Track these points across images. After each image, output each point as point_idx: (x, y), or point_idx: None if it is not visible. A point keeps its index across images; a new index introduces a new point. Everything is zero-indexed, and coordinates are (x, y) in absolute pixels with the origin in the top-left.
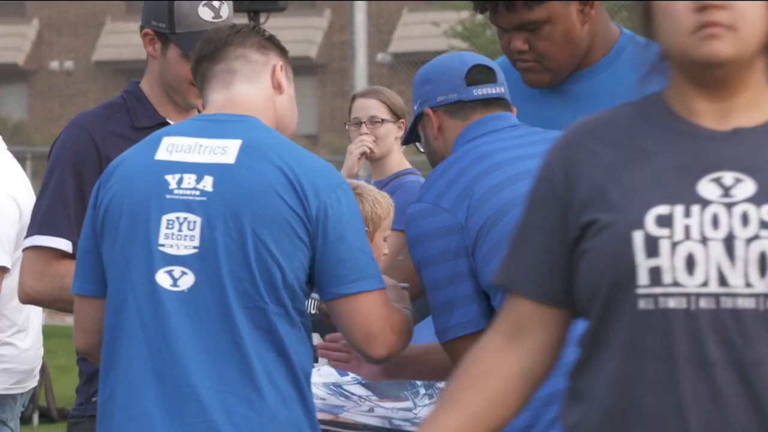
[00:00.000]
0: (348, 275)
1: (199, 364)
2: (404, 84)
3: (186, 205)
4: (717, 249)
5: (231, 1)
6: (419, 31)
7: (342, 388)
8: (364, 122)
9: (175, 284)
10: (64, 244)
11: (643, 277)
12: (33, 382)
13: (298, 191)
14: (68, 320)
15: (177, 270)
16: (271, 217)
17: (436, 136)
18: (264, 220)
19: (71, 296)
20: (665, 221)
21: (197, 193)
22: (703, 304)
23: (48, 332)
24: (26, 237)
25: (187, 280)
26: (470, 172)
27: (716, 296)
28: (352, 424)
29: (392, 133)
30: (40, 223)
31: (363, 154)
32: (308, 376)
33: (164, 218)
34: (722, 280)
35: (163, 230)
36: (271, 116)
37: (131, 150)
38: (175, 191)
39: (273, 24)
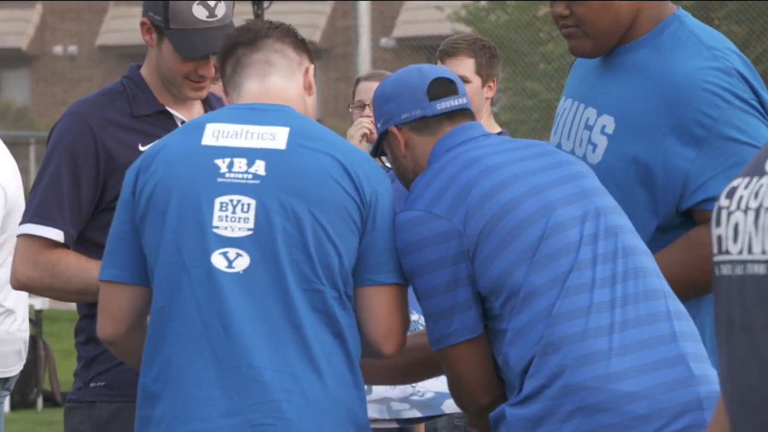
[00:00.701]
0: (388, 264)
1: (258, 344)
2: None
3: (239, 188)
4: (750, 219)
5: (228, 1)
6: (423, 16)
7: None
8: (368, 105)
9: (230, 266)
10: (56, 234)
11: (714, 246)
12: (20, 365)
13: (353, 177)
14: (72, 304)
15: (232, 252)
16: (328, 201)
17: (405, 153)
18: (321, 203)
19: (62, 284)
20: (731, 193)
21: (249, 176)
22: (738, 270)
23: (52, 317)
24: (20, 224)
25: (242, 262)
26: (461, 178)
27: (744, 263)
28: None
29: None
30: (33, 212)
31: (363, 136)
32: (359, 359)
33: (217, 201)
34: (749, 248)
35: (216, 212)
36: (302, 113)
37: (171, 136)
38: (227, 175)
39: (276, 9)
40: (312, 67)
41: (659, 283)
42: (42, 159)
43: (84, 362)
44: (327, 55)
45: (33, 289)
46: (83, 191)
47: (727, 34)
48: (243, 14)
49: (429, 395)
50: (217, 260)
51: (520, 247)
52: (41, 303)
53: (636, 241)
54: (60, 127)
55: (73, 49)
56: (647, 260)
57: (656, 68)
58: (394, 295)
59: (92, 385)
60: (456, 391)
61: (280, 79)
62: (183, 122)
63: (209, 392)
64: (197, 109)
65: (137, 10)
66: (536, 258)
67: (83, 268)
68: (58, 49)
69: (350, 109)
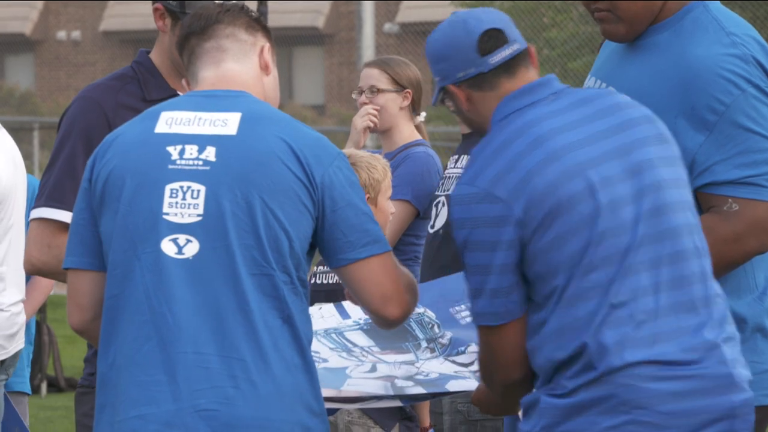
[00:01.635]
0: (359, 240)
1: (205, 330)
2: (412, 54)
3: (189, 175)
4: None
5: None
6: (427, 1)
7: (344, 337)
8: (364, 91)
9: (180, 252)
10: (70, 217)
11: None
12: (20, 344)
13: (301, 160)
14: None
15: (182, 238)
16: (278, 185)
17: (467, 108)
18: (271, 188)
19: None
20: None
21: (200, 163)
22: None
23: (56, 302)
24: (33, 208)
25: (192, 248)
26: (527, 162)
27: None
28: (356, 397)
29: (393, 102)
30: (47, 196)
31: (366, 128)
32: (310, 344)
33: (167, 187)
34: None
35: (166, 199)
36: (260, 95)
37: (127, 125)
38: (178, 162)
39: None
40: (268, 45)
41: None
42: (55, 142)
43: (95, 348)
44: (331, 41)
45: (46, 273)
46: None
47: None
48: None
49: (433, 376)
50: (167, 246)
51: (577, 245)
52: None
53: (682, 219)
54: (73, 111)
55: (76, 34)
56: (688, 241)
57: (675, 52)
58: (374, 266)
59: None
60: (489, 364)
61: (234, 64)
62: None
63: (156, 377)
64: None
65: None
66: (588, 261)
67: None
68: (61, 34)
69: (353, 95)
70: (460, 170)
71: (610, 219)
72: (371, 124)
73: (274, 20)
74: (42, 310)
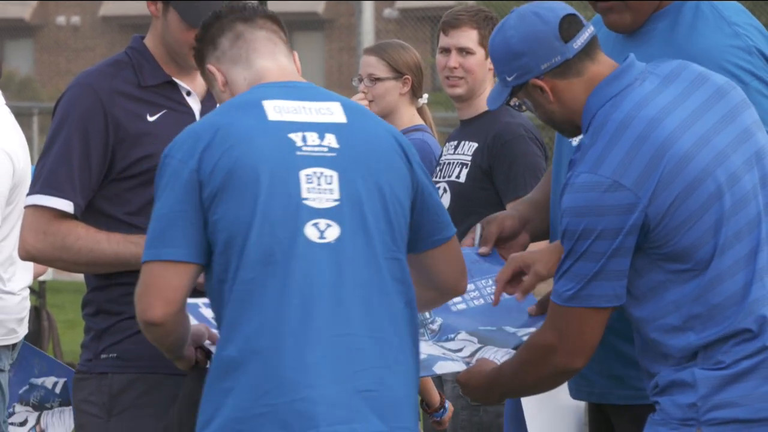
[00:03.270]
0: (444, 219)
1: (355, 313)
2: (412, 39)
3: (318, 161)
4: None
5: None
6: None
7: None
8: (363, 80)
9: (322, 236)
10: (66, 205)
11: None
12: (23, 331)
13: (404, 149)
14: (75, 275)
15: (322, 223)
16: (397, 172)
17: (553, 100)
18: (393, 174)
19: (72, 256)
20: None
21: (325, 149)
22: None
23: (55, 287)
24: (28, 195)
25: (332, 232)
26: (648, 147)
27: None
28: None
29: (393, 90)
30: (43, 183)
31: None
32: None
33: (302, 173)
34: None
35: (304, 185)
36: None
37: (230, 115)
38: (304, 148)
39: None
40: (295, 53)
41: None
42: (50, 129)
43: (94, 334)
44: (330, 26)
45: (42, 260)
46: (93, 162)
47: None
48: None
49: (422, 356)
50: (310, 231)
51: (708, 223)
52: (44, 274)
53: None
54: (68, 98)
55: (76, 19)
56: None
57: (676, 43)
58: (455, 242)
59: (103, 356)
60: (558, 349)
61: (285, 59)
62: (189, 92)
63: (314, 360)
64: (200, 79)
65: None
66: (724, 238)
67: (93, 239)
68: (61, 19)
69: (353, 83)
70: (459, 156)
71: (735, 192)
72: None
73: (274, 6)
74: (42, 296)
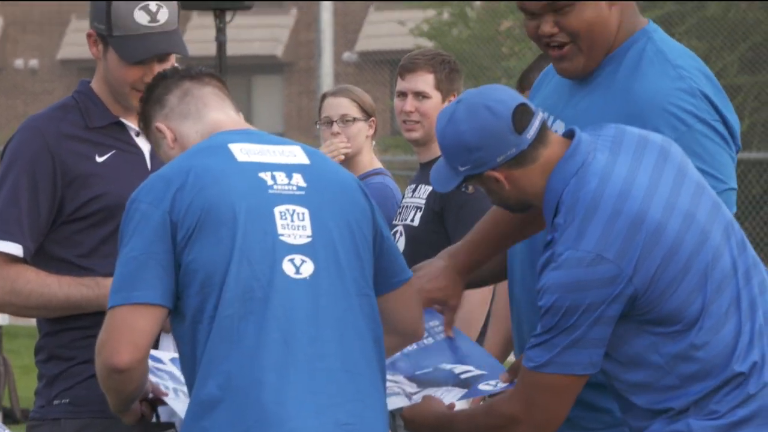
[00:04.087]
0: (402, 262)
1: (331, 347)
2: (371, 83)
3: (290, 199)
4: None
5: (174, 2)
6: (386, 30)
7: None
8: (336, 121)
9: (298, 272)
10: (15, 248)
11: None
12: None
13: (363, 188)
14: (32, 320)
15: (297, 258)
16: (362, 210)
17: (508, 188)
18: (359, 212)
19: (22, 300)
20: None
21: (294, 188)
22: None
23: (12, 332)
24: None
25: (307, 268)
26: (624, 219)
27: None
28: None
29: (363, 131)
30: None
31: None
32: None
33: (276, 210)
34: None
35: (278, 221)
36: None
37: (199, 158)
38: (275, 187)
39: (239, 22)
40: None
41: None
42: None
43: (46, 380)
44: (290, 69)
45: None
46: (42, 205)
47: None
48: (205, 27)
49: None
50: (287, 267)
51: (691, 284)
52: (0, 319)
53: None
54: (16, 142)
55: (34, 62)
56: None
57: (622, 86)
58: (413, 283)
59: (56, 402)
60: (523, 421)
61: (234, 113)
62: (138, 133)
63: (294, 393)
64: None
65: None
66: (709, 293)
67: (43, 282)
68: (19, 62)
69: (317, 126)
70: (416, 200)
71: (709, 247)
72: (342, 157)
73: (233, 49)
74: None
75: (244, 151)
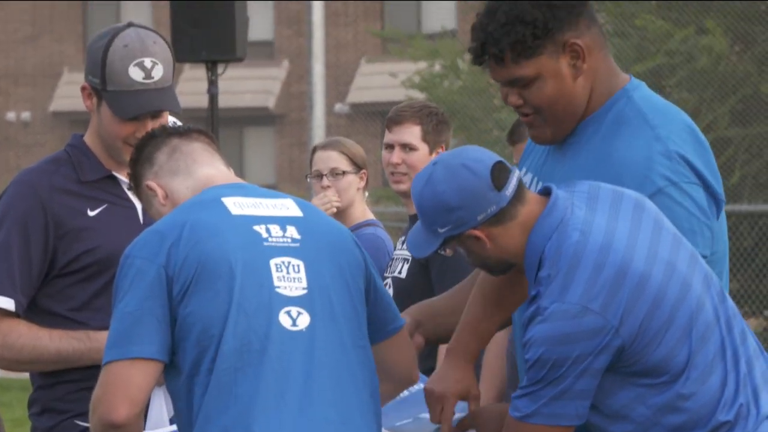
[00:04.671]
0: (395, 309)
1: (328, 399)
2: (362, 135)
3: (284, 251)
4: None
5: (170, 59)
6: (377, 82)
7: None
8: (326, 174)
9: (294, 324)
10: (7, 303)
11: None
12: None
13: (355, 239)
14: (24, 374)
15: (294, 310)
16: (356, 261)
17: (489, 246)
18: (353, 265)
19: (14, 354)
20: None
21: (288, 240)
22: None
23: (4, 385)
24: None
25: (304, 320)
26: (608, 271)
27: None
28: None
29: (354, 184)
30: None
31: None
32: None
33: (272, 262)
34: None
35: (274, 273)
36: None
37: (193, 212)
38: (269, 239)
39: (231, 74)
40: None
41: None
42: None
43: None
44: (281, 121)
45: None
46: (33, 259)
47: (678, 102)
48: (197, 79)
49: None
50: (284, 319)
51: (676, 334)
52: None
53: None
54: (8, 195)
55: (26, 114)
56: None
57: (601, 150)
58: (406, 330)
59: None
60: None
61: (224, 167)
62: (130, 186)
63: None
64: None
65: None
66: (695, 343)
67: (35, 336)
68: (11, 115)
69: (308, 179)
70: (404, 252)
71: (690, 298)
72: (335, 210)
73: (225, 100)
74: None
75: (237, 205)
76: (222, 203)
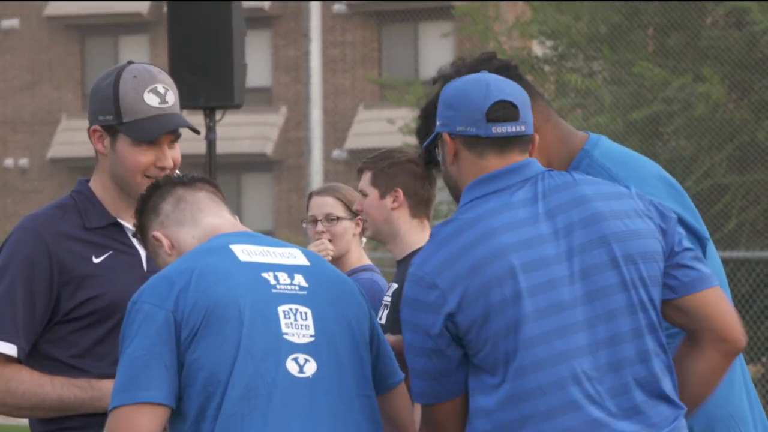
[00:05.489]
0: (395, 361)
1: None
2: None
3: (292, 298)
4: None
5: (175, 87)
6: (375, 128)
7: None
8: (320, 220)
9: (301, 371)
10: (9, 348)
11: None
12: None
13: (360, 290)
14: (23, 420)
15: (301, 357)
16: (361, 311)
17: (452, 161)
18: (358, 315)
19: (16, 401)
20: None
21: (296, 287)
22: None
23: (2, 431)
24: None
25: (310, 367)
26: (471, 256)
27: None
28: None
29: (349, 230)
30: None
31: None
32: None
33: (280, 309)
34: None
35: (282, 320)
36: None
37: (202, 258)
38: (277, 286)
39: (229, 120)
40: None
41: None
42: None
43: None
44: (279, 167)
45: None
46: (37, 305)
47: (676, 149)
48: (195, 125)
49: None
50: (291, 366)
51: (504, 356)
52: None
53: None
54: (13, 241)
55: (24, 161)
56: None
57: None
58: (403, 383)
59: None
60: None
61: (230, 216)
62: (135, 234)
63: None
64: None
65: None
66: (522, 362)
67: (37, 383)
68: (9, 161)
69: (303, 225)
70: (387, 297)
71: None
72: (329, 257)
73: (223, 147)
74: None
75: (245, 252)
76: (230, 250)
